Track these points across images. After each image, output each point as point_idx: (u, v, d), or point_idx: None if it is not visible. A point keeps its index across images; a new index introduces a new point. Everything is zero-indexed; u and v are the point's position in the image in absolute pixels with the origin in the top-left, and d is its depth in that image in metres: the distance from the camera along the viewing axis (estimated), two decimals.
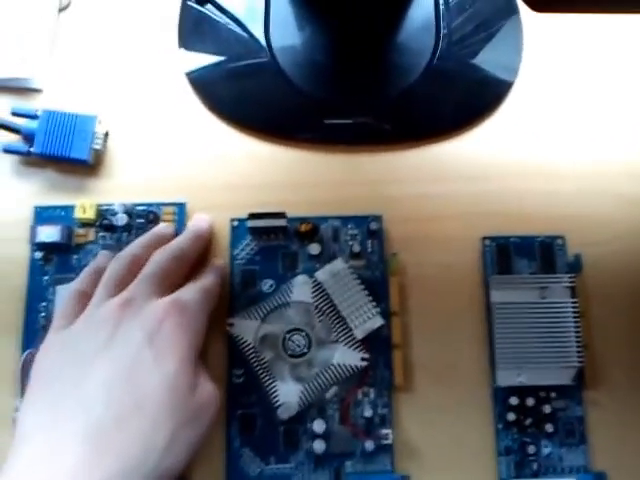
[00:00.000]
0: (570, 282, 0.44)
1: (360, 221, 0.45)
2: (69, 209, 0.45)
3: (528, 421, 0.42)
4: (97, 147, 0.46)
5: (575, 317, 0.43)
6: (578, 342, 0.43)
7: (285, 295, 0.43)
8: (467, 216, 0.46)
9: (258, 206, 0.44)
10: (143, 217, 0.45)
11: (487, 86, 0.49)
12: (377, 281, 0.44)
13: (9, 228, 0.45)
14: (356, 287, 0.43)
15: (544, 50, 0.50)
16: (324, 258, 0.44)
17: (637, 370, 0.44)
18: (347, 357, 0.42)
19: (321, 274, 0.43)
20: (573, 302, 0.43)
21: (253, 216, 0.43)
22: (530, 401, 0.42)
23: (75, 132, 0.45)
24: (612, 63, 0.50)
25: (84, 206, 0.44)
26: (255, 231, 0.44)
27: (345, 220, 0.45)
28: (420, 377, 0.44)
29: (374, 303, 0.42)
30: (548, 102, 0.49)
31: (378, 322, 0.42)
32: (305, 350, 0.42)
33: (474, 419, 0.43)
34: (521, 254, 0.45)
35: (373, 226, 0.44)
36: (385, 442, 0.41)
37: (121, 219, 0.45)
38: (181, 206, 0.45)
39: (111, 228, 0.45)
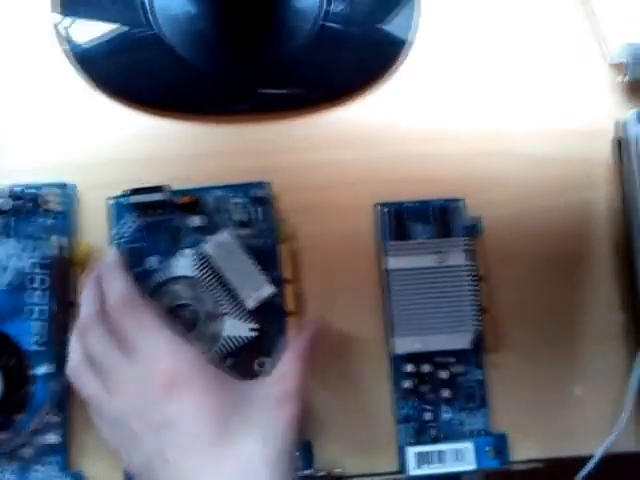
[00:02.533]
0: (467, 245, 0.43)
1: (244, 189, 0.44)
2: None
3: (426, 388, 0.42)
4: None
5: (473, 281, 0.42)
6: (476, 306, 0.42)
7: (169, 271, 0.42)
8: (362, 183, 0.45)
9: (147, 183, 0.43)
10: (29, 200, 0.43)
11: (382, 46, 0.47)
12: (268, 249, 0.43)
13: None
14: (243, 257, 0.42)
15: (442, 7, 0.48)
16: (210, 230, 0.43)
17: (537, 332, 0.44)
18: (236, 328, 0.41)
19: (207, 246, 0.42)
20: (470, 265, 0.43)
21: (133, 192, 0.42)
22: (426, 367, 0.42)
23: None
24: (513, 20, 0.48)
25: None
26: (137, 207, 0.43)
27: (228, 189, 0.44)
28: None
29: (264, 272, 0.42)
30: (444, 63, 0.47)
31: (268, 290, 0.41)
32: (193, 325, 0.41)
33: (373, 388, 0.42)
34: (417, 219, 0.44)
35: (258, 193, 0.43)
36: None
37: (6, 203, 0.43)
38: (68, 187, 0.44)
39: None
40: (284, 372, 0.37)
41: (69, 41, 0.46)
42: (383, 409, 0.42)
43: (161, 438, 0.34)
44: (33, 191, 0.43)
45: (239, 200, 0.44)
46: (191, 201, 0.43)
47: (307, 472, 0.41)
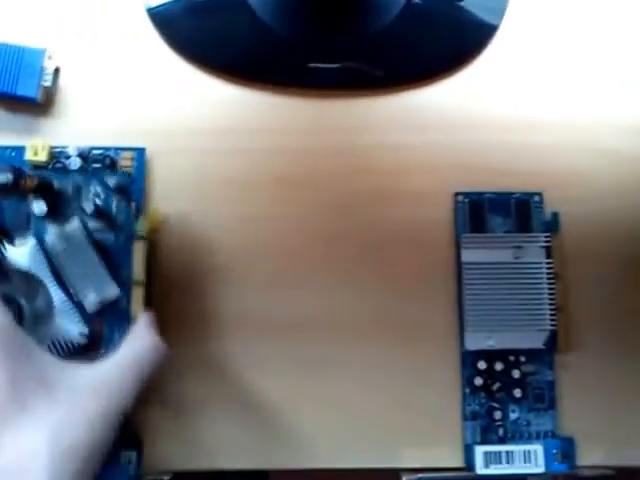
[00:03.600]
0: (546, 242, 0.42)
1: (101, 176, 0.41)
2: (19, 150, 0.42)
3: (496, 386, 0.41)
4: (46, 84, 0.43)
5: (550, 279, 0.41)
6: (552, 305, 0.41)
7: (5, 261, 0.39)
8: (439, 169, 0.44)
9: (220, 153, 0.42)
10: (99, 162, 0.42)
11: (469, 29, 0.45)
12: (121, 245, 0.40)
13: None
14: (90, 252, 0.39)
15: None
16: (61, 219, 0.40)
17: (613, 334, 0.42)
18: (65, 332, 0.38)
19: (50, 237, 0.39)
20: (548, 263, 0.41)
21: None
22: (499, 365, 0.41)
23: (22, 67, 0.42)
24: (603, 11, 0.46)
25: (36, 147, 0.41)
26: None
27: (88, 176, 0.41)
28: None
29: (113, 271, 0.39)
30: (533, 49, 0.46)
31: (112, 292, 0.39)
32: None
33: (441, 382, 0.41)
34: (495, 211, 0.43)
35: (117, 181, 0.41)
36: None
37: (74, 163, 0.42)
38: (140, 151, 0.43)
39: (64, 172, 0.42)
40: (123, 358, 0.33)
41: (152, 6, 0.45)
42: (449, 404, 0.41)
43: None
44: (105, 153, 0.42)
45: (98, 188, 0.41)
46: (41, 185, 0.39)
47: None
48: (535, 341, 0.41)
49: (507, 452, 0.40)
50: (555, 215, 0.42)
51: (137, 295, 0.39)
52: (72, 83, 0.44)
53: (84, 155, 0.42)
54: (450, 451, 0.41)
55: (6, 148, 0.42)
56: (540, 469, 0.39)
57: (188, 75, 0.44)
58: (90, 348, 0.39)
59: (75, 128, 0.43)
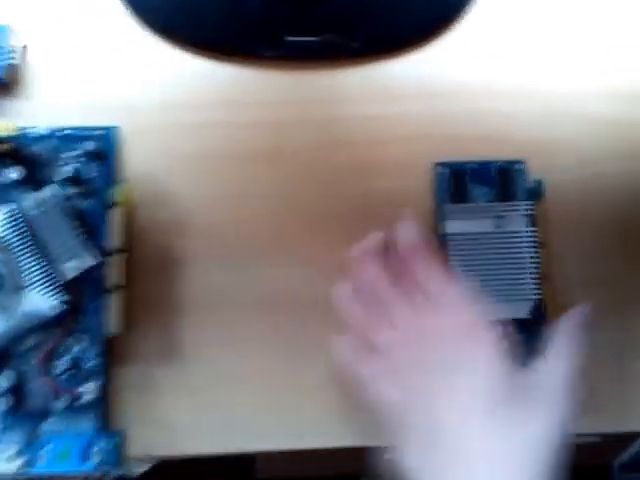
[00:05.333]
0: (529, 210, 0.41)
1: (80, 139, 0.40)
2: None
3: None
4: (13, 62, 0.41)
5: (533, 247, 0.40)
6: (536, 274, 0.40)
7: None
8: (418, 139, 0.43)
9: (194, 127, 0.41)
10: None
11: None
12: (98, 212, 0.39)
13: None
14: (66, 220, 0.38)
15: None
16: (34, 186, 0.39)
17: (600, 303, 0.41)
18: (38, 303, 0.36)
19: (24, 204, 0.37)
20: (531, 231, 0.40)
21: None
22: None
23: None
24: None
25: (1, 127, 0.40)
26: None
27: (62, 138, 0.40)
28: None
29: (90, 240, 0.38)
30: (514, 16, 0.45)
31: (88, 262, 0.38)
32: None
33: None
34: (477, 181, 0.42)
35: (94, 146, 0.40)
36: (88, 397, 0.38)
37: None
38: (111, 130, 0.41)
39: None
40: (560, 358, 0.36)
41: None
42: None
43: (446, 390, 0.34)
44: (76, 133, 0.41)
45: (72, 152, 0.40)
46: (11, 150, 0.38)
47: None
48: (520, 311, 0.40)
49: None
50: (538, 182, 0.42)
51: (117, 263, 0.38)
52: (39, 61, 0.43)
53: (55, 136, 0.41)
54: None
55: None
56: None
57: (160, 50, 0.43)
58: (67, 318, 0.38)
59: (43, 107, 0.42)
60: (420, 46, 0.44)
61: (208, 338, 0.40)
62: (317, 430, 0.40)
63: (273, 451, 0.40)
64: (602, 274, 0.42)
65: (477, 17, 0.44)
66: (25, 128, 0.40)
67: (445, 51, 0.44)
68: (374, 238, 0.39)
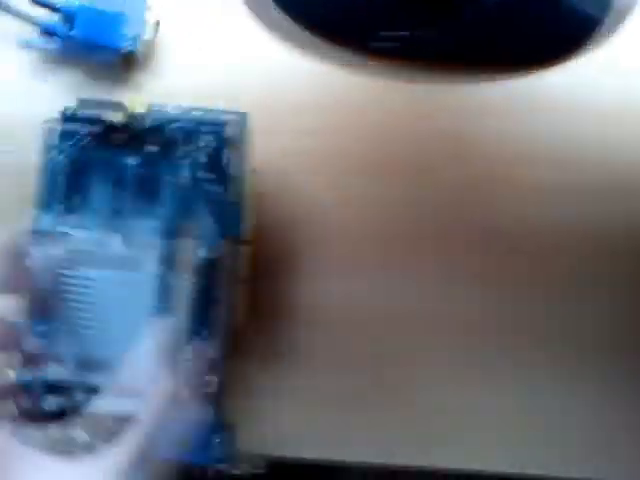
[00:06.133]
0: None
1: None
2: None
3: None
4: (146, 37, 0.39)
5: None
6: None
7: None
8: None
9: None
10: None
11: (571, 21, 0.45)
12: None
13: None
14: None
15: None
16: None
17: None
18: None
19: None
20: None
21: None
22: None
23: (119, 18, 0.39)
24: None
25: (134, 103, 0.38)
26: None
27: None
28: None
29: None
30: None
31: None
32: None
33: None
34: None
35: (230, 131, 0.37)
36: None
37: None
38: (244, 115, 0.39)
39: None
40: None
41: None
42: None
43: None
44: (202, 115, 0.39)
45: (206, 137, 0.37)
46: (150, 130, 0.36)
47: None
48: None
49: None
50: None
51: (244, 255, 0.36)
52: (171, 38, 0.41)
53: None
54: None
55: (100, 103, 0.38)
56: None
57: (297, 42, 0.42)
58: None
59: (173, 86, 0.40)
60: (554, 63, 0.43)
61: (331, 341, 0.39)
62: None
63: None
64: None
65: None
66: (155, 106, 0.38)
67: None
68: None
